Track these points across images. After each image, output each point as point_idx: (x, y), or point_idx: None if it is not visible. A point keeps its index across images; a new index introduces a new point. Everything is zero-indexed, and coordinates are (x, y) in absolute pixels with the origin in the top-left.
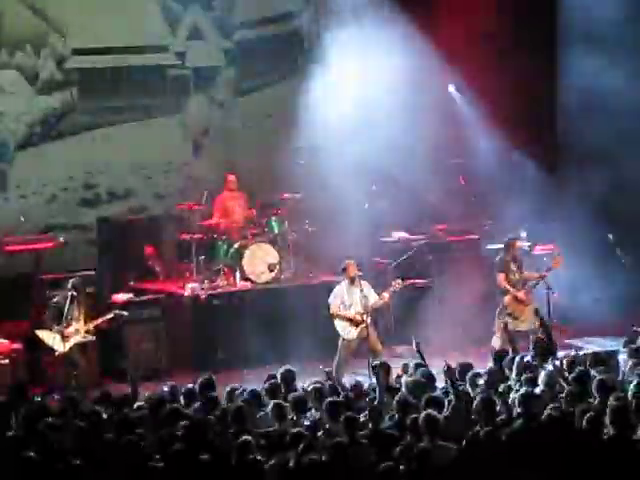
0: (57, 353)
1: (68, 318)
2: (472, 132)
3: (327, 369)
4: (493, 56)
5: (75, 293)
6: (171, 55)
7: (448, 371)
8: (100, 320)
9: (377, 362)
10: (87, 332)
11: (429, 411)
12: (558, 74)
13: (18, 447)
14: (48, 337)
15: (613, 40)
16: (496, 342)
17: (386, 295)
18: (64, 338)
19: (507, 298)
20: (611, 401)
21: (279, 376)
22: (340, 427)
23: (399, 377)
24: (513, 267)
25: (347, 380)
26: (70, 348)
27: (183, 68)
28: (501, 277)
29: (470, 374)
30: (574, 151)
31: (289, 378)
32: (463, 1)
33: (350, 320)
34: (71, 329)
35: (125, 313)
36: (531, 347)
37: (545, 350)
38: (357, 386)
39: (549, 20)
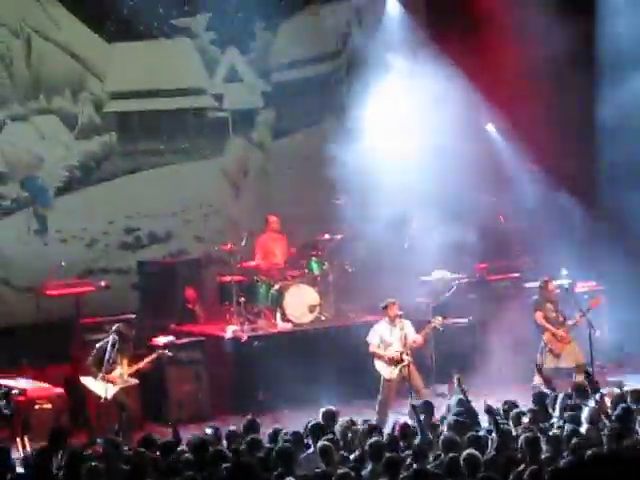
0: (102, 399)
1: (111, 362)
2: (511, 169)
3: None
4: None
5: (118, 337)
6: (209, 98)
7: (489, 410)
8: (144, 362)
9: (418, 401)
10: (131, 375)
11: (470, 450)
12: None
13: None
14: (92, 383)
15: None
16: (538, 380)
17: (426, 333)
18: (108, 384)
19: (546, 335)
20: None
21: (321, 416)
22: (381, 468)
23: (444, 418)
24: (549, 307)
25: (391, 420)
26: (115, 394)
27: (221, 110)
28: (538, 315)
29: (514, 412)
30: (616, 183)
31: (331, 418)
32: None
33: (390, 359)
34: (115, 373)
35: (169, 353)
36: (573, 386)
37: (587, 388)
38: (403, 426)
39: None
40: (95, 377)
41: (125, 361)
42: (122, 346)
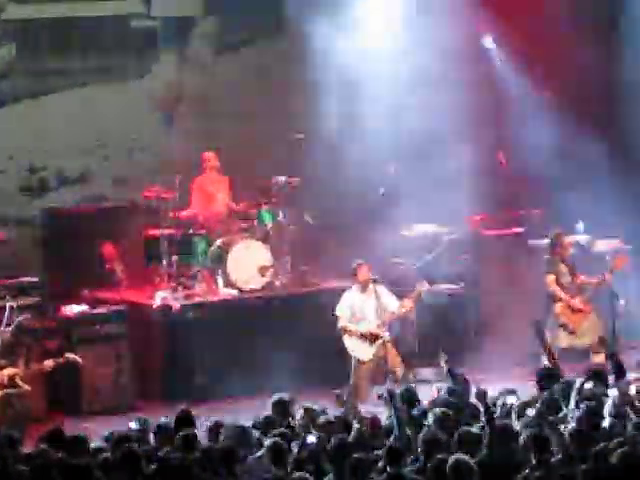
0: None
1: (1, 359)
2: (516, 97)
3: (337, 391)
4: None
5: (17, 330)
6: (134, 2)
7: (481, 396)
8: (45, 366)
9: (396, 387)
10: (23, 379)
11: (458, 456)
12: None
13: None
14: None
15: None
16: (547, 362)
17: (408, 303)
18: None
19: (559, 306)
20: None
21: (271, 407)
22: (346, 472)
23: (427, 410)
24: (563, 269)
25: (363, 412)
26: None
27: (149, 18)
28: (551, 280)
29: (516, 403)
30: None
31: (283, 410)
32: None
33: (363, 336)
34: (4, 374)
35: (79, 360)
36: (592, 369)
37: (610, 372)
38: (374, 420)
39: None
40: None
41: (20, 360)
42: (21, 339)
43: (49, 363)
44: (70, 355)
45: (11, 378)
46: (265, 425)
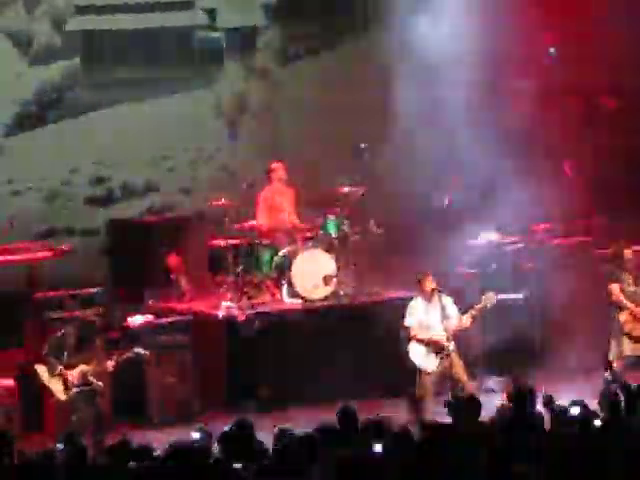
0: (55, 400)
1: (72, 357)
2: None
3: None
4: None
5: (85, 326)
6: (198, 13)
7: (548, 404)
8: (114, 362)
9: (461, 395)
10: (95, 375)
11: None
12: None
13: None
14: (48, 378)
15: None
16: (611, 374)
17: (474, 313)
18: (66, 382)
19: (623, 315)
20: None
21: (337, 417)
22: None
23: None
24: (627, 278)
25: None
26: (71, 396)
27: (214, 29)
28: (614, 288)
29: (581, 415)
30: None
31: (349, 419)
32: None
33: (432, 344)
34: (76, 371)
35: (145, 352)
36: None
37: None
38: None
39: None
40: (52, 370)
41: (91, 357)
42: (90, 337)
43: (118, 358)
44: (137, 350)
45: (83, 375)
46: (329, 435)
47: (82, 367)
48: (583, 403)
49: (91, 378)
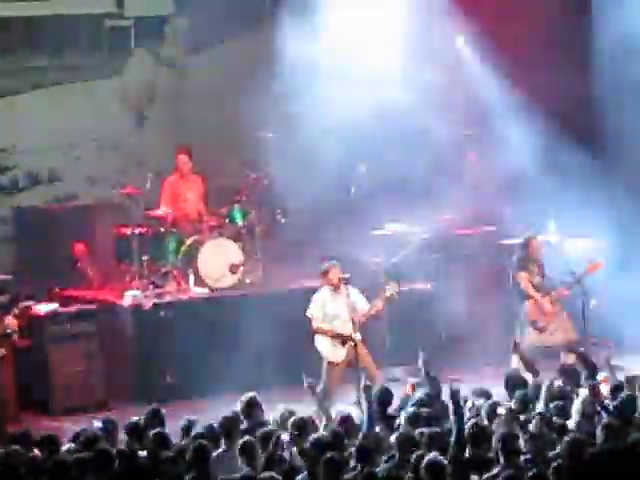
0: None
1: None
2: (489, 98)
3: (309, 380)
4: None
5: None
6: (108, 1)
7: (454, 396)
8: (12, 316)
9: (369, 384)
10: None
11: (433, 455)
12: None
13: None
14: None
15: None
16: (516, 362)
17: (379, 303)
18: None
19: (529, 304)
20: None
21: (240, 406)
22: (320, 470)
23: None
24: (534, 269)
25: (335, 412)
26: None
27: (122, 18)
28: (523, 277)
29: (486, 403)
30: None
31: (252, 408)
32: None
33: (337, 337)
34: None
35: (30, 302)
36: (561, 369)
37: (579, 372)
38: (344, 418)
39: None
40: None
41: None
42: None
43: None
44: (22, 304)
45: None
46: (230, 424)
47: None
48: (487, 393)
49: None
